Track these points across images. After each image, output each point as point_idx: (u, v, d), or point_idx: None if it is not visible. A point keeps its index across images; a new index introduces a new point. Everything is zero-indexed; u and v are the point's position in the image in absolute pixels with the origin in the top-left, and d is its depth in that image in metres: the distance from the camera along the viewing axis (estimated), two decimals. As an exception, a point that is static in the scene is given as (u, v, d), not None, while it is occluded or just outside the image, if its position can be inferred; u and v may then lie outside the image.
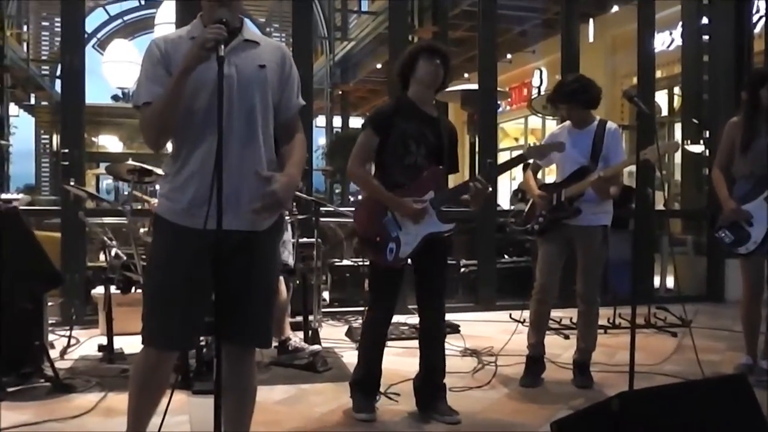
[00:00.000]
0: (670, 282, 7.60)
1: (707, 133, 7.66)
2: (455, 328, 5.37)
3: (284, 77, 2.36)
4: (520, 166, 4.11)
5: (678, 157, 8.11)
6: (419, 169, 3.38)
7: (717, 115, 7.17)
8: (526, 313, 4.28)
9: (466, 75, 14.43)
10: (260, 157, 2.27)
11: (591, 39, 11.80)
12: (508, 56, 14.19)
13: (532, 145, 3.70)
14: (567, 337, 5.29)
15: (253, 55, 2.29)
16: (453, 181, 3.88)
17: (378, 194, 3.36)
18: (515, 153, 3.70)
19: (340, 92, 20.13)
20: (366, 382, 3.50)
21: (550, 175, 4.93)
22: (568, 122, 4.22)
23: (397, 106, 3.48)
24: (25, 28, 17.49)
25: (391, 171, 3.38)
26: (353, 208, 3.80)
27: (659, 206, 7.32)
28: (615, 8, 11.57)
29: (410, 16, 9.79)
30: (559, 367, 4.41)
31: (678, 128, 10.25)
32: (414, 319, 3.76)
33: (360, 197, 3.67)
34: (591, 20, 11.77)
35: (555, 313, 4.79)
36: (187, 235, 2.21)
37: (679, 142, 4.32)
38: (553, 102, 4.30)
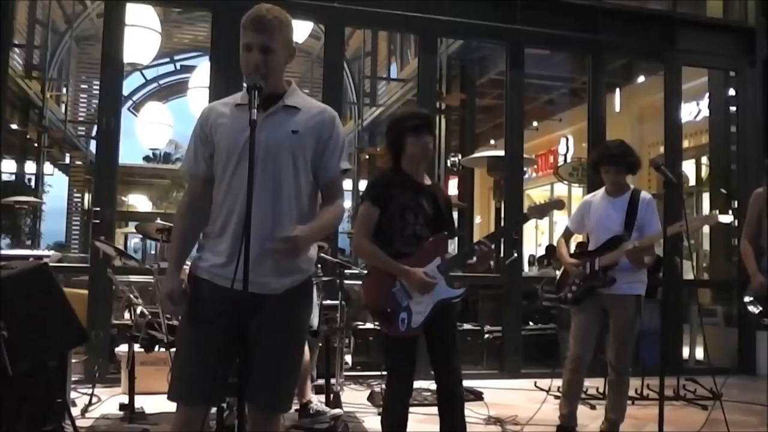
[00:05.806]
0: (699, 353, 7.44)
1: (736, 203, 7.62)
2: (479, 396, 5.28)
3: (323, 141, 2.39)
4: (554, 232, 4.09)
5: (706, 227, 8.04)
6: (419, 238, 3.35)
7: (746, 185, 7.15)
8: (553, 382, 4.21)
9: (492, 142, 14.55)
10: (285, 222, 2.28)
11: (617, 108, 11.86)
12: (535, 124, 14.31)
13: (531, 205, 3.66)
14: (594, 407, 5.18)
15: (288, 120, 2.34)
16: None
17: (386, 265, 3.30)
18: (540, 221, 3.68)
19: (367, 156, 20.37)
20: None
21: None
22: (602, 190, 4.22)
23: (392, 177, 3.44)
24: (64, 90, 18.01)
25: (392, 241, 3.34)
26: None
27: (688, 276, 7.22)
28: (641, 78, 11.66)
29: (438, 83, 9.95)
30: (586, 439, 4.31)
31: (706, 198, 10.19)
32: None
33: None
34: (618, 90, 11.86)
35: (581, 383, 4.70)
36: (207, 292, 2.29)
37: (717, 213, 4.27)
38: (596, 165, 4.23)
